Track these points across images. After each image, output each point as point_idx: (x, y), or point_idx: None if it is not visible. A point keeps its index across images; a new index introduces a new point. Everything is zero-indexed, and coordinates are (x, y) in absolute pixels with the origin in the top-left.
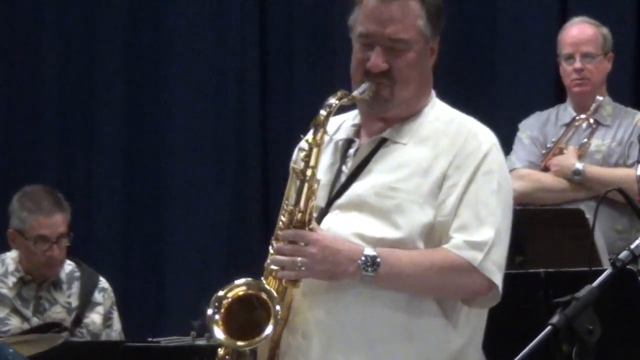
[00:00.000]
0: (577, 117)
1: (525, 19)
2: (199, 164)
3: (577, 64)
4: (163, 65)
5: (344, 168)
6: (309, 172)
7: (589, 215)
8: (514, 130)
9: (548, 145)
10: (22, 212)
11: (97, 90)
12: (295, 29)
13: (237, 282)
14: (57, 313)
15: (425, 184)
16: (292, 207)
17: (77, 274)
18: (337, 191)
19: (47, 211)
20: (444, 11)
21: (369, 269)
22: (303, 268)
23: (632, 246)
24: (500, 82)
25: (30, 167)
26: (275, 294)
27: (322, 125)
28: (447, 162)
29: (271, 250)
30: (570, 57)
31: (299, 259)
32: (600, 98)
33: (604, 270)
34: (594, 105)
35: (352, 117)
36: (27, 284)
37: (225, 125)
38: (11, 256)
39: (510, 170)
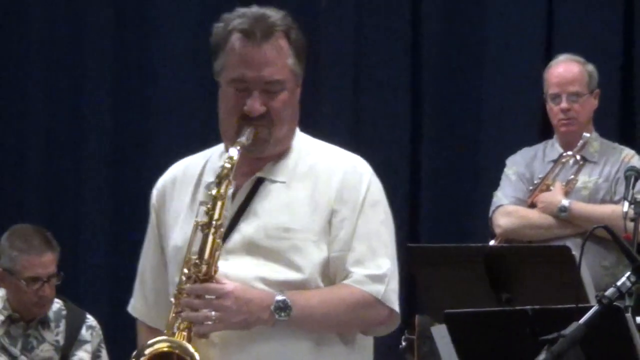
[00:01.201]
0: (564, 154)
1: (512, 55)
2: None
3: (564, 104)
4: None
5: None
6: (213, 224)
7: (575, 252)
8: (501, 166)
9: (535, 182)
10: (12, 252)
11: (84, 124)
12: None
13: (158, 338)
14: (45, 351)
15: (316, 221)
16: (197, 261)
17: (64, 312)
18: (223, 236)
19: (38, 251)
20: (307, 49)
21: (282, 313)
22: (218, 321)
23: (619, 283)
24: (487, 117)
25: (14, 206)
26: (197, 356)
27: (226, 178)
28: (331, 197)
29: (173, 301)
30: (556, 97)
31: (213, 313)
32: (587, 135)
33: (591, 307)
34: (580, 142)
35: (217, 157)
36: (15, 322)
37: None
38: None
39: (497, 207)
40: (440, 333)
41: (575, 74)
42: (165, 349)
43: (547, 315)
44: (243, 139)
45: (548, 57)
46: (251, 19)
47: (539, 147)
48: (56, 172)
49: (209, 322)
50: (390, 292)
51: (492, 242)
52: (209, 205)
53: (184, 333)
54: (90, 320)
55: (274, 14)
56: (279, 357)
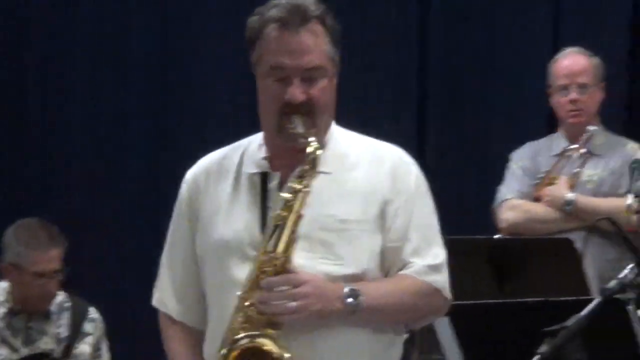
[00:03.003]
0: (569, 147)
1: (518, 50)
2: None
3: (573, 95)
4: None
5: (270, 204)
6: (292, 218)
7: (579, 245)
8: (506, 160)
9: (540, 176)
10: (19, 247)
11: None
12: None
13: (262, 333)
14: (46, 344)
15: (370, 211)
16: (272, 253)
17: (68, 304)
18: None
19: (44, 246)
20: (340, 34)
21: (354, 302)
22: (298, 311)
23: (621, 276)
24: (492, 112)
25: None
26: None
27: (309, 173)
28: (383, 187)
29: (246, 303)
30: (564, 89)
31: (294, 303)
32: (592, 128)
33: (593, 299)
34: (585, 135)
35: (256, 148)
36: (16, 315)
37: None
38: (2, 287)
39: (502, 201)
40: (443, 324)
41: (582, 66)
42: (266, 348)
43: (550, 307)
44: (300, 130)
45: (555, 51)
46: (286, 8)
47: (543, 141)
48: (66, 167)
49: (288, 313)
50: (446, 282)
51: (497, 236)
52: (290, 197)
53: (251, 329)
54: (93, 312)
55: (308, 1)
56: (338, 346)
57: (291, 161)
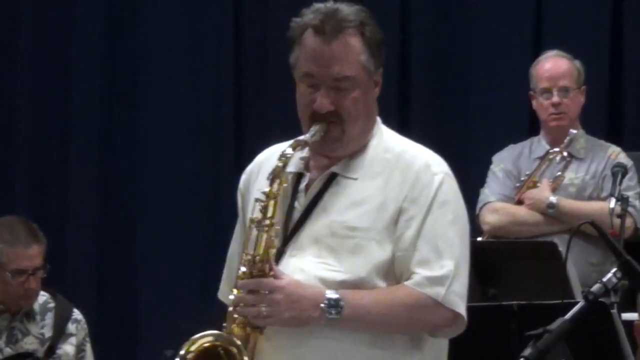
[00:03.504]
0: (551, 150)
1: (499, 51)
2: (173, 195)
3: (555, 98)
4: (139, 91)
5: (296, 204)
6: (266, 223)
7: (561, 248)
8: (488, 163)
9: (522, 179)
10: None
11: (72, 119)
12: (270, 29)
13: (203, 333)
14: (29, 344)
15: (382, 220)
16: (251, 257)
17: (51, 305)
18: (291, 230)
19: (24, 243)
20: (384, 43)
21: (333, 311)
22: (269, 316)
23: (605, 279)
24: (473, 114)
25: (1, 197)
26: (243, 348)
27: (279, 177)
28: (401, 196)
29: (231, 297)
30: (546, 92)
31: (264, 308)
32: (574, 131)
33: (577, 302)
34: (567, 139)
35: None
36: (0, 314)
37: (202, 156)
38: None
39: (484, 204)
40: None
41: (565, 69)
42: (208, 345)
43: (533, 310)
44: (307, 137)
45: (536, 53)
46: (323, 15)
47: (525, 144)
48: (44, 164)
49: (261, 317)
50: (451, 295)
51: (479, 239)
52: (263, 203)
53: (241, 327)
54: (76, 313)
55: (347, 9)
56: (331, 355)
57: (324, 163)
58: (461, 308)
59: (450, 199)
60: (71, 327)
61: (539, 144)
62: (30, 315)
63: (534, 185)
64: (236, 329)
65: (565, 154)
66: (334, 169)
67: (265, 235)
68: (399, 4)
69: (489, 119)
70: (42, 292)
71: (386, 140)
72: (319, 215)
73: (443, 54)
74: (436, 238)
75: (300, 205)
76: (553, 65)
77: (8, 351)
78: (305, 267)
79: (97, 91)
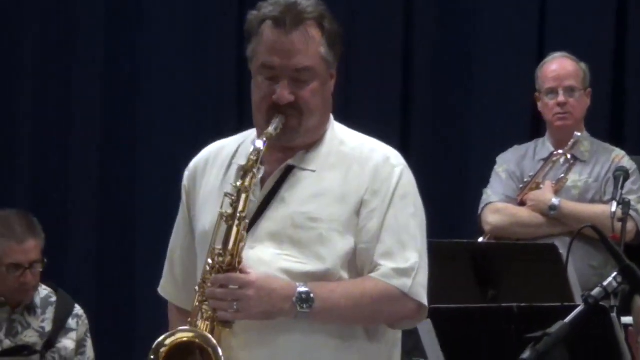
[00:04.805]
0: (555, 152)
1: (503, 53)
2: (173, 195)
3: (561, 98)
4: (140, 91)
5: (252, 197)
6: (237, 216)
7: (562, 251)
8: (491, 163)
9: (525, 180)
10: None
11: (73, 119)
12: None
13: (180, 328)
14: (29, 337)
15: (344, 211)
16: (220, 251)
17: (53, 299)
18: (249, 222)
19: (20, 237)
20: (342, 36)
21: (304, 305)
22: (239, 311)
23: (605, 283)
24: (474, 115)
25: (2, 191)
26: (220, 351)
27: (250, 171)
28: (362, 188)
29: (197, 290)
30: (552, 92)
31: (235, 303)
32: (578, 134)
33: (577, 306)
34: (571, 141)
35: (250, 142)
36: (0, 307)
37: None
38: None
39: (487, 204)
40: (426, 328)
41: (571, 70)
42: (186, 339)
43: (533, 313)
44: (271, 129)
45: (540, 55)
46: (282, 7)
47: (529, 146)
48: (45, 164)
49: (231, 312)
50: (417, 286)
51: (480, 240)
52: (233, 197)
53: (207, 322)
54: (77, 309)
55: (305, 2)
56: (301, 349)
57: (281, 156)
58: (425, 299)
59: (410, 191)
60: (72, 322)
61: (544, 146)
62: (31, 309)
63: (537, 187)
64: (203, 324)
65: (569, 156)
66: (291, 161)
67: (235, 229)
68: (403, 4)
69: (490, 119)
70: (44, 287)
71: (341, 134)
72: (278, 208)
73: (445, 56)
74: (399, 230)
75: (256, 198)
76: (559, 66)
77: (7, 343)
78: (267, 259)
79: (98, 91)
